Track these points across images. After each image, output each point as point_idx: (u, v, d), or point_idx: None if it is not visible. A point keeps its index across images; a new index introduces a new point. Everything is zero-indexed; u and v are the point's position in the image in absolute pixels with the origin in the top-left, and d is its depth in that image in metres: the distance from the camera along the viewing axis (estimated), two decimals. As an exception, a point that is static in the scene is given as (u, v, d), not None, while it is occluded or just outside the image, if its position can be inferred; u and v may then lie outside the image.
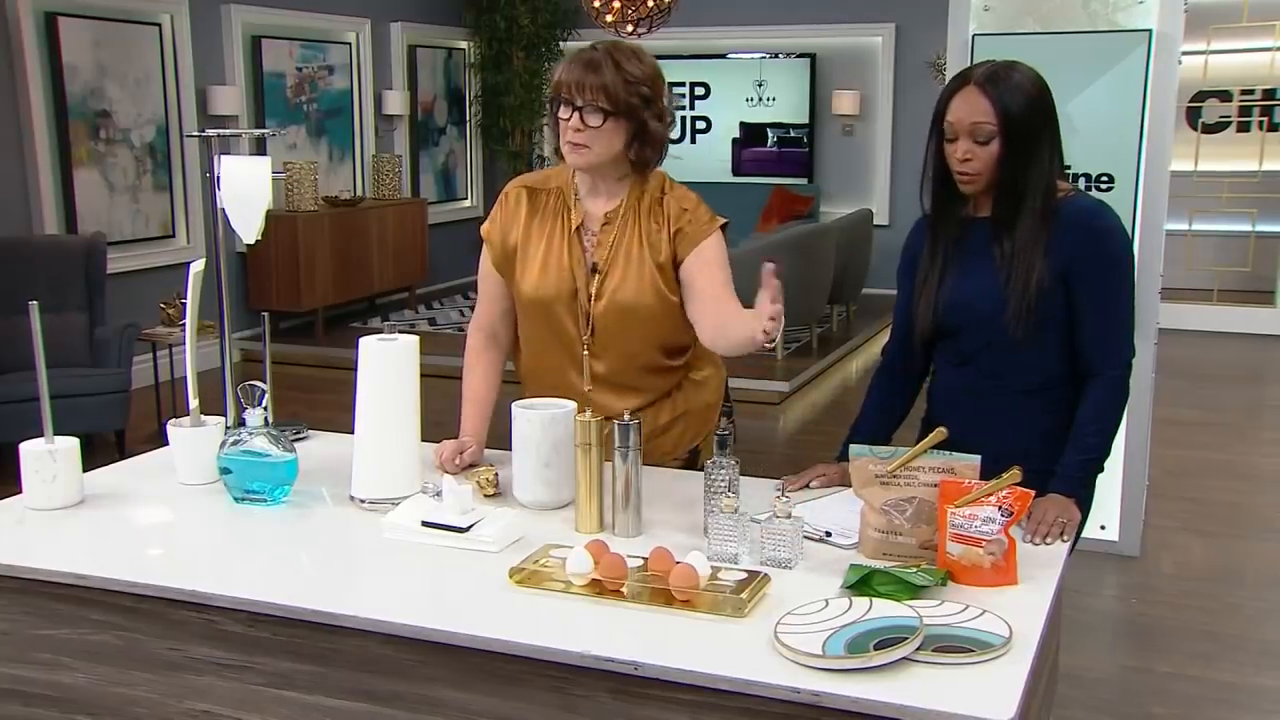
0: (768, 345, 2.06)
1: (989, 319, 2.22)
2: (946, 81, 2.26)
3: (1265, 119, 8.92)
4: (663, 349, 2.43)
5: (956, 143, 2.18)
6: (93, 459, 2.42)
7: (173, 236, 7.35)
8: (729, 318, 2.24)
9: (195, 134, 2.78)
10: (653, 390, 2.46)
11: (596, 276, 2.36)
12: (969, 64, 2.45)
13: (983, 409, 2.28)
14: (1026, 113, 2.14)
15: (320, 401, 6.48)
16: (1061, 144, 2.24)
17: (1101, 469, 2.24)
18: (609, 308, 2.36)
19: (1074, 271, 2.18)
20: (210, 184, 2.57)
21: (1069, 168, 2.34)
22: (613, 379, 2.41)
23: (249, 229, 2.57)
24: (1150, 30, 4.00)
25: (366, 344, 2.19)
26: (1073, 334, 2.23)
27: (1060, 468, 2.19)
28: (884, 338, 2.48)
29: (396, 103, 9.25)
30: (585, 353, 2.40)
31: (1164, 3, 4.01)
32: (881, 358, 2.49)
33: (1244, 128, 8.97)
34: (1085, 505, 2.20)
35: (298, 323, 8.15)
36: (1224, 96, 8.88)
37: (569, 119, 2.28)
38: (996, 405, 2.28)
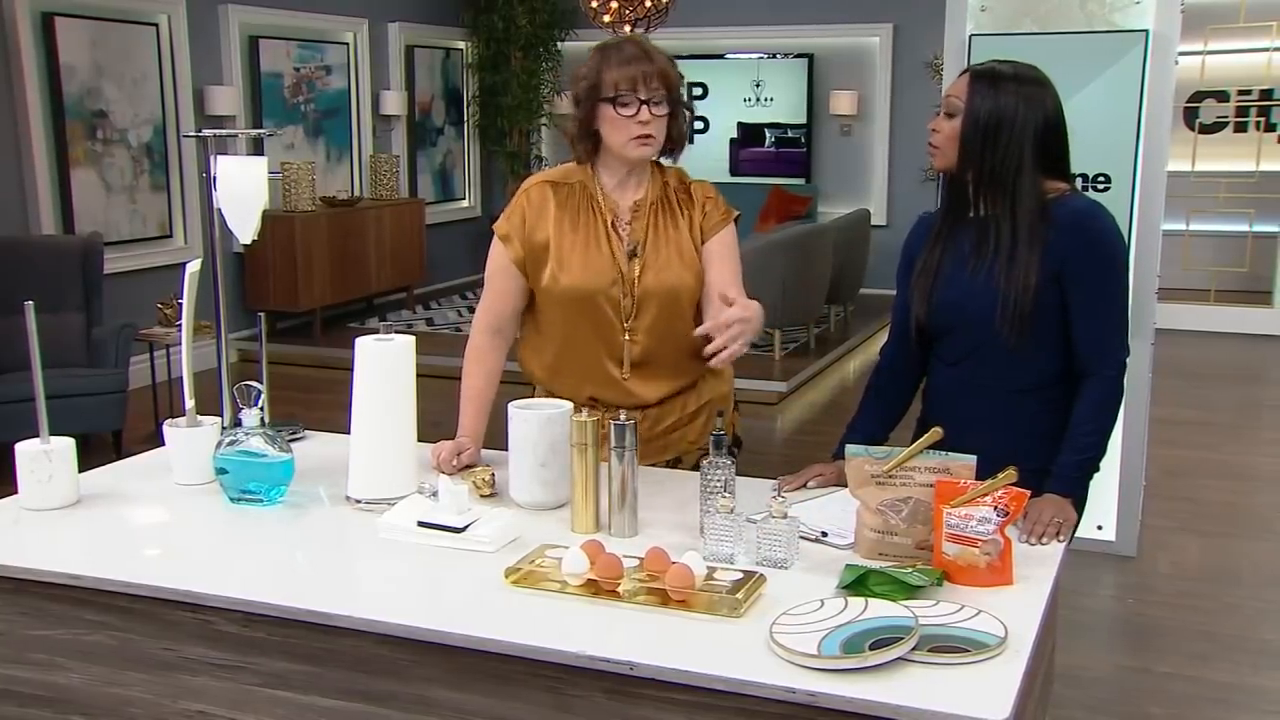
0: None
1: (981, 321, 2.22)
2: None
3: (1262, 119, 8.92)
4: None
5: None
6: (89, 459, 2.42)
7: (170, 237, 7.35)
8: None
9: (192, 134, 2.78)
10: (684, 377, 2.48)
11: (636, 261, 2.38)
12: (966, 64, 2.46)
13: (977, 408, 2.28)
14: (993, 108, 2.17)
15: (317, 402, 6.48)
16: (1066, 159, 2.25)
17: (1098, 469, 2.24)
18: (653, 290, 2.38)
19: (1068, 272, 2.18)
20: (207, 184, 2.57)
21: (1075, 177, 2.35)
22: (650, 365, 2.43)
23: (246, 229, 2.57)
24: (1147, 30, 4.00)
25: (363, 344, 2.19)
26: (1067, 334, 2.23)
27: (1056, 468, 2.19)
28: (882, 338, 2.49)
29: (394, 103, 9.25)
30: (626, 338, 2.41)
31: (1161, 3, 4.01)
32: (879, 357, 2.49)
33: (1241, 128, 8.98)
34: (1080, 505, 2.20)
35: (295, 323, 8.15)
36: (1221, 97, 8.88)
37: (635, 114, 2.30)
38: (991, 405, 2.28)
